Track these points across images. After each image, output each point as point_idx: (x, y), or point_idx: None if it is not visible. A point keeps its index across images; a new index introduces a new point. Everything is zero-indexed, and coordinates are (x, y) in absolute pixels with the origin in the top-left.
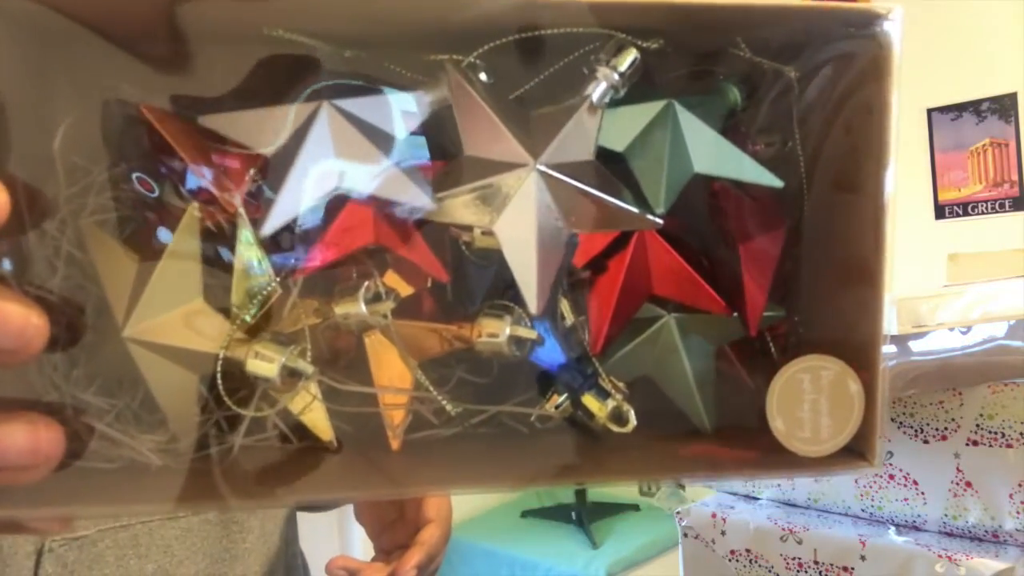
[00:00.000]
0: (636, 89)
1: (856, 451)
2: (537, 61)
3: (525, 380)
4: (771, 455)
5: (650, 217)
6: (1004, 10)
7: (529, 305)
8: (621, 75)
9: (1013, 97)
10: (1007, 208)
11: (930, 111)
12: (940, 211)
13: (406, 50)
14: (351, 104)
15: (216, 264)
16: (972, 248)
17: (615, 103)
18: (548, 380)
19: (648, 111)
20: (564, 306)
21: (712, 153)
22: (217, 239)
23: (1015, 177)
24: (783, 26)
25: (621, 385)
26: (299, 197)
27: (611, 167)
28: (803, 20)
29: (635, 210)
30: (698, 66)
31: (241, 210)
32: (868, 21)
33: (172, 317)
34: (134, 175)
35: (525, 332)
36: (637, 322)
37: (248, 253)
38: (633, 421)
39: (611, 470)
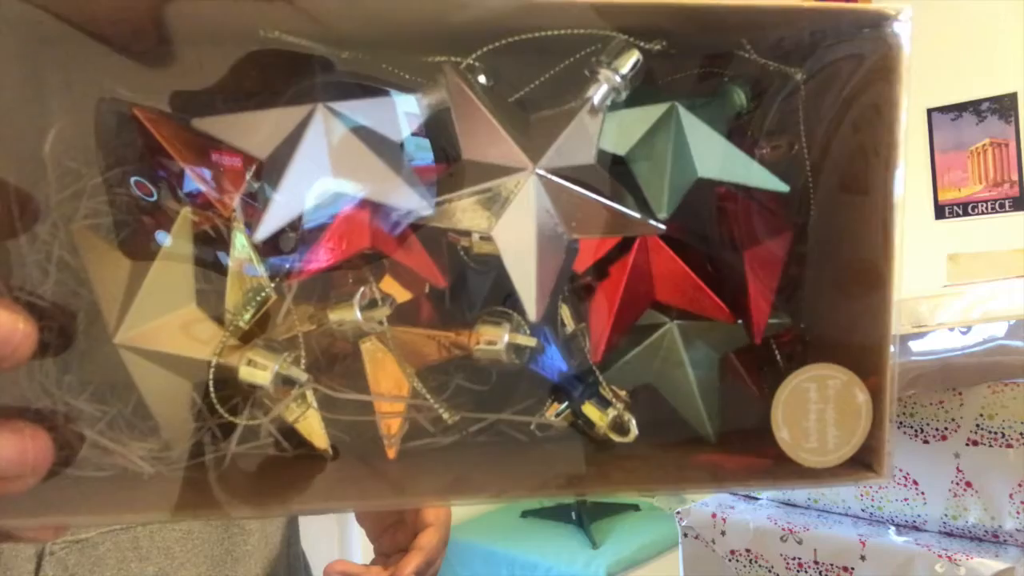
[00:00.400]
0: (639, 92)
1: (863, 462)
2: (537, 63)
3: (525, 388)
4: (777, 466)
5: (652, 222)
6: (1004, 10)
7: (528, 312)
8: (623, 77)
9: (1013, 97)
10: (1007, 208)
11: (930, 111)
12: (940, 211)
13: (404, 52)
14: (347, 107)
15: (214, 269)
16: (972, 248)
17: (617, 106)
18: (548, 388)
19: (651, 114)
20: (564, 313)
21: (716, 157)
22: (215, 244)
23: (1015, 177)
24: (790, 27)
25: (623, 394)
26: (294, 201)
27: (613, 171)
28: (810, 21)
29: (637, 215)
30: (703, 68)
31: (236, 213)
32: (877, 21)
33: (164, 323)
34: (132, 179)
35: (524, 339)
36: (639, 329)
37: (243, 257)
38: (634, 431)
39: (613, 481)
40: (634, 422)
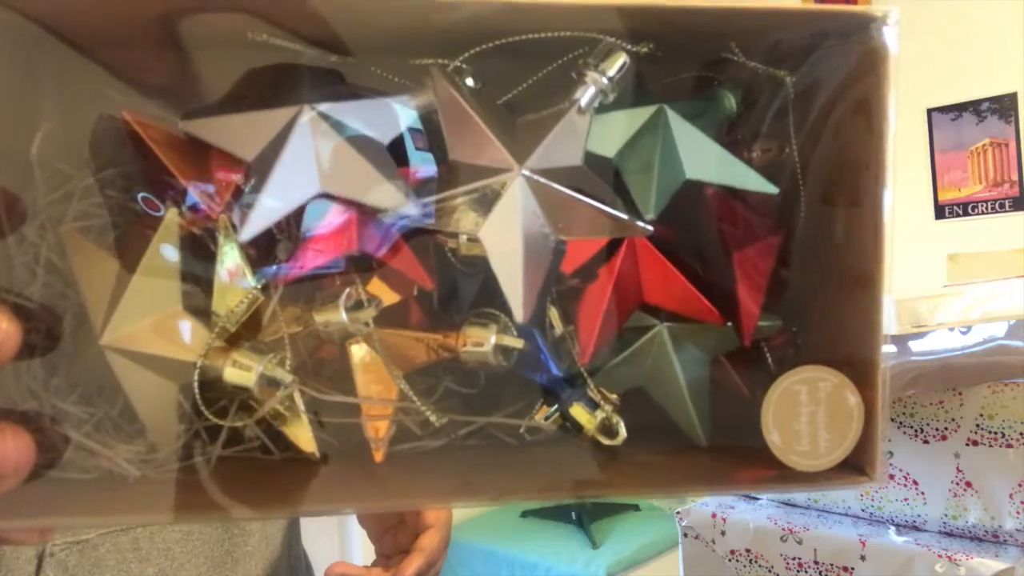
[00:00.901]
0: (628, 95)
1: (856, 465)
2: (525, 66)
3: (513, 391)
4: (768, 469)
5: (640, 223)
6: (1004, 10)
7: (515, 313)
8: (610, 79)
9: (1013, 97)
10: (1007, 208)
11: (930, 111)
12: (940, 211)
13: (393, 55)
14: (334, 109)
15: (202, 272)
16: (972, 248)
17: (606, 108)
18: (537, 391)
19: (639, 116)
20: (553, 315)
21: (704, 159)
22: (203, 247)
23: (1015, 177)
24: (778, 30)
25: (612, 396)
26: (279, 202)
27: (601, 173)
28: (797, 24)
29: (624, 216)
30: (693, 72)
31: (223, 216)
32: (864, 25)
33: (150, 324)
34: (139, 195)
35: (511, 341)
36: (629, 331)
37: (230, 260)
38: (623, 433)
39: (603, 484)
40: (623, 424)
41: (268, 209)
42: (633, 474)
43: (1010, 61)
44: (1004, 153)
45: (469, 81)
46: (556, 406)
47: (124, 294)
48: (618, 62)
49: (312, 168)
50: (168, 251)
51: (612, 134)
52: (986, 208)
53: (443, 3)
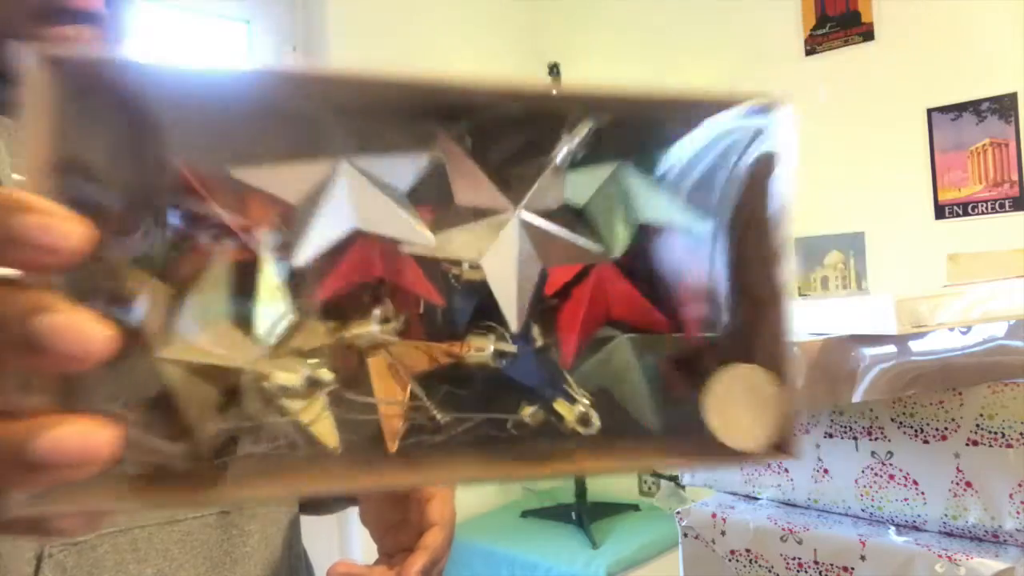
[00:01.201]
0: (593, 154)
1: (779, 446)
2: (515, 129)
3: (503, 394)
4: (711, 448)
5: (608, 256)
6: (1004, 10)
7: (510, 324)
8: (578, 142)
9: (1013, 97)
10: (1007, 208)
11: (930, 111)
12: (940, 211)
13: (407, 119)
14: (363, 161)
15: (246, 292)
16: (972, 248)
17: (576, 164)
18: (523, 392)
19: (602, 172)
20: (535, 330)
21: (654, 203)
22: (249, 271)
23: (1015, 177)
24: (674, 114)
25: (586, 394)
26: (319, 238)
27: (576, 215)
28: (678, 111)
29: (595, 248)
30: (643, 134)
31: (265, 248)
32: (758, 111)
33: (201, 337)
34: (175, 219)
35: (507, 347)
36: (597, 341)
37: (273, 282)
38: (597, 423)
39: (576, 461)
40: (596, 416)
41: (310, 242)
42: (600, 454)
43: (1010, 61)
44: (1004, 153)
45: (468, 141)
46: (539, 404)
47: (179, 311)
48: (585, 129)
49: (349, 207)
50: (218, 274)
51: (583, 186)
52: (986, 208)
53: (445, 87)
